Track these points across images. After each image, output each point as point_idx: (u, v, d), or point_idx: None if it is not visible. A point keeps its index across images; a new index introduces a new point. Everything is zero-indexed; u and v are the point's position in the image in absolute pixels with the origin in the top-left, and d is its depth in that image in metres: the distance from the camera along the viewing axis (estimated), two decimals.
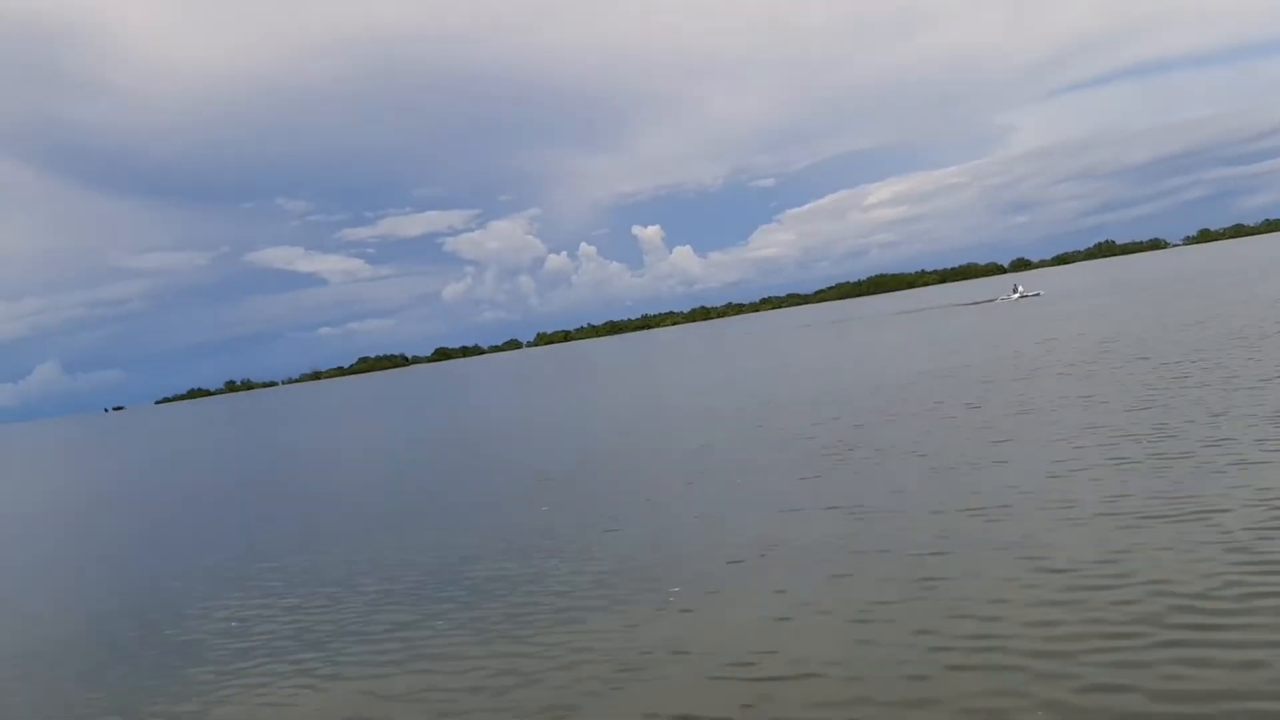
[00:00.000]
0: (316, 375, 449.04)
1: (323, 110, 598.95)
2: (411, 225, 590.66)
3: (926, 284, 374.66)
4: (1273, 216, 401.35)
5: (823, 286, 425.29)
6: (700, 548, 16.10)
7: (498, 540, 19.03)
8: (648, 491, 22.12)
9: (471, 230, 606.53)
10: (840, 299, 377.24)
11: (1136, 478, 16.17)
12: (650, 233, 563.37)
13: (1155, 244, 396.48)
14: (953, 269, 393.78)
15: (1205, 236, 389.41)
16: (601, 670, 11.27)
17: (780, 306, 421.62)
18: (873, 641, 10.83)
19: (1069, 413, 23.80)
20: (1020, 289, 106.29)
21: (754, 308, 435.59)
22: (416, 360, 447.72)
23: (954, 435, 23.22)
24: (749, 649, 11.23)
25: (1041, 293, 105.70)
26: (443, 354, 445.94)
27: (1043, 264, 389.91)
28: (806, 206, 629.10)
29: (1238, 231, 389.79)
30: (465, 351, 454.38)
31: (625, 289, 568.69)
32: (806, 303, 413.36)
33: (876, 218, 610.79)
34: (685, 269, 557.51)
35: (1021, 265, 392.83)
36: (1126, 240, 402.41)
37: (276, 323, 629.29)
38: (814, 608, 12.24)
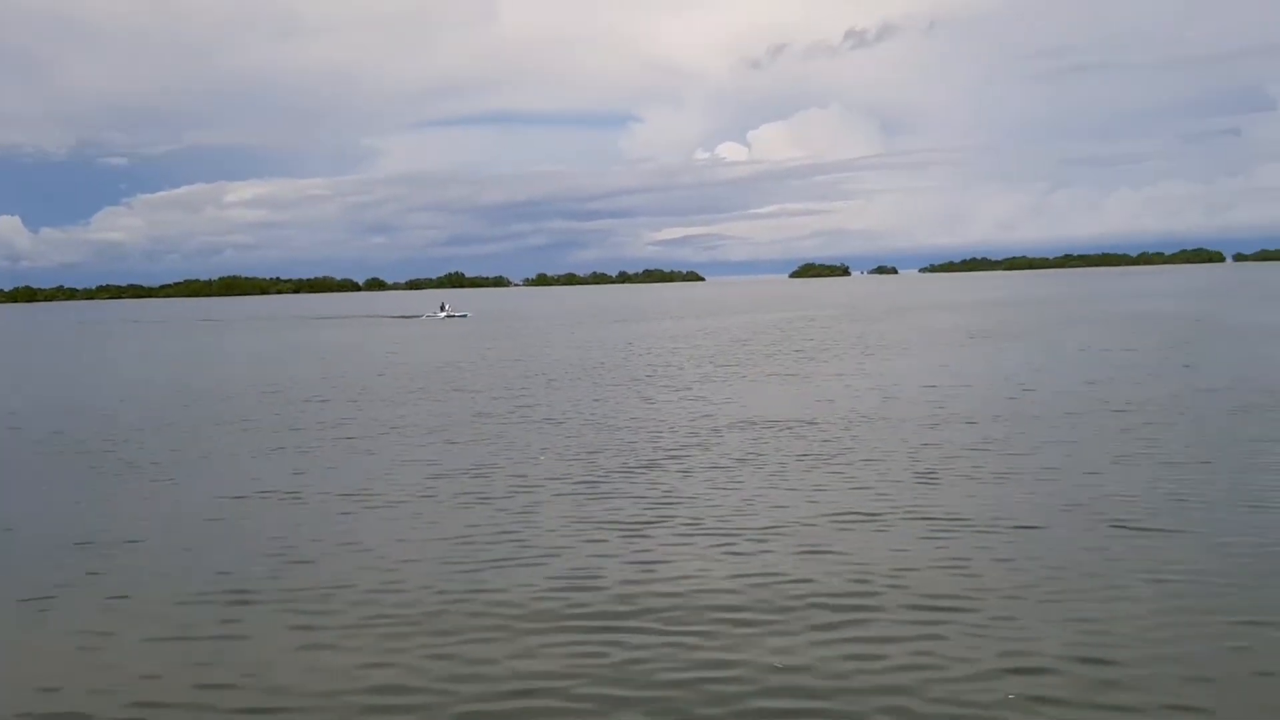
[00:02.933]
0: None
1: None
2: None
3: (281, 292, 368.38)
4: (598, 270, 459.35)
5: (172, 281, 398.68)
6: None
7: None
8: None
9: None
10: (190, 296, 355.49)
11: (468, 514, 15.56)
12: None
13: (499, 281, 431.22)
14: (309, 280, 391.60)
15: (542, 280, 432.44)
16: None
17: (121, 297, 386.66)
18: None
19: (380, 443, 23.07)
20: (448, 308, 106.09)
21: (90, 294, 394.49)
22: None
23: (260, 459, 21.27)
24: None
25: (469, 314, 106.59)
26: None
27: (396, 286, 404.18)
28: (160, 194, 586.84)
29: (570, 279, 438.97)
30: None
31: None
32: (152, 296, 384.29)
33: (235, 217, 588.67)
34: (10, 242, 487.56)
35: (377, 285, 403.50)
36: (475, 274, 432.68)
37: None
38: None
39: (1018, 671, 9.02)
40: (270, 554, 13.70)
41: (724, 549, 13.26)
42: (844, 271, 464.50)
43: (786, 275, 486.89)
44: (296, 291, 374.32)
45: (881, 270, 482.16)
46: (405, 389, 34.13)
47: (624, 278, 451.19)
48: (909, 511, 14.81)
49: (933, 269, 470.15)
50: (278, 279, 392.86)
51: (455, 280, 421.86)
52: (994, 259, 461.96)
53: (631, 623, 10.59)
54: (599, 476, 18.15)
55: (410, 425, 25.43)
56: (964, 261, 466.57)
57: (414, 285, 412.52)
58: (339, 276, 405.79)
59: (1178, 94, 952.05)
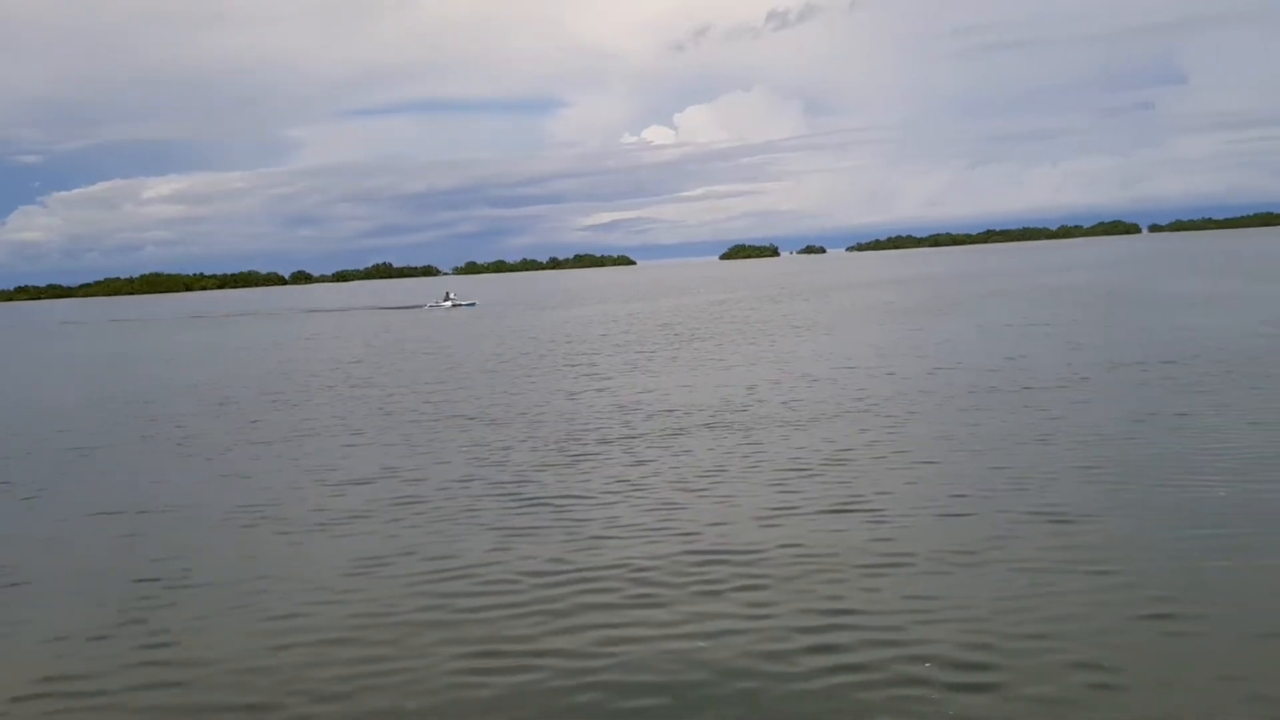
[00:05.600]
0: None
1: None
2: None
3: (205, 288, 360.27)
4: (529, 256, 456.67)
5: (92, 280, 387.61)
6: None
7: None
8: None
9: None
10: (110, 295, 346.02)
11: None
12: None
13: (429, 270, 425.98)
14: (233, 275, 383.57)
15: (472, 268, 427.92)
16: None
17: (40, 297, 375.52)
18: None
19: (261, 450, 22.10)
20: (453, 297, 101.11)
21: (8, 296, 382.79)
22: None
23: (158, 470, 20.23)
24: None
25: (476, 302, 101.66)
26: None
27: (324, 279, 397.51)
28: (77, 191, 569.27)
29: (500, 267, 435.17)
30: None
31: None
32: (71, 296, 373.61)
33: (154, 213, 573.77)
34: None
35: (303, 278, 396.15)
36: (403, 264, 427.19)
37: None
38: None
39: (943, 671, 8.56)
40: (156, 579, 12.75)
41: (637, 549, 12.63)
42: (773, 252, 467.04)
43: (717, 257, 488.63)
44: (221, 287, 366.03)
45: (810, 250, 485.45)
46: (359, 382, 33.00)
47: (555, 263, 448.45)
48: (829, 504, 14.30)
49: (860, 247, 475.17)
50: (201, 275, 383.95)
51: (383, 271, 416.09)
52: (919, 235, 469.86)
53: (544, 628, 9.96)
54: (511, 478, 17.38)
55: (330, 424, 24.45)
56: (890, 239, 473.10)
57: (341, 277, 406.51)
58: (264, 270, 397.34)
59: (1093, 69, 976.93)
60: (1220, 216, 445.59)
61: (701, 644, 9.59)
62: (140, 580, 12.63)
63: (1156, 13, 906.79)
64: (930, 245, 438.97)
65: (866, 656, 9.06)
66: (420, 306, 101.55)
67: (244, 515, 15.77)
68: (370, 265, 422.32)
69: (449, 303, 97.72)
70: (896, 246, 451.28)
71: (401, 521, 14.80)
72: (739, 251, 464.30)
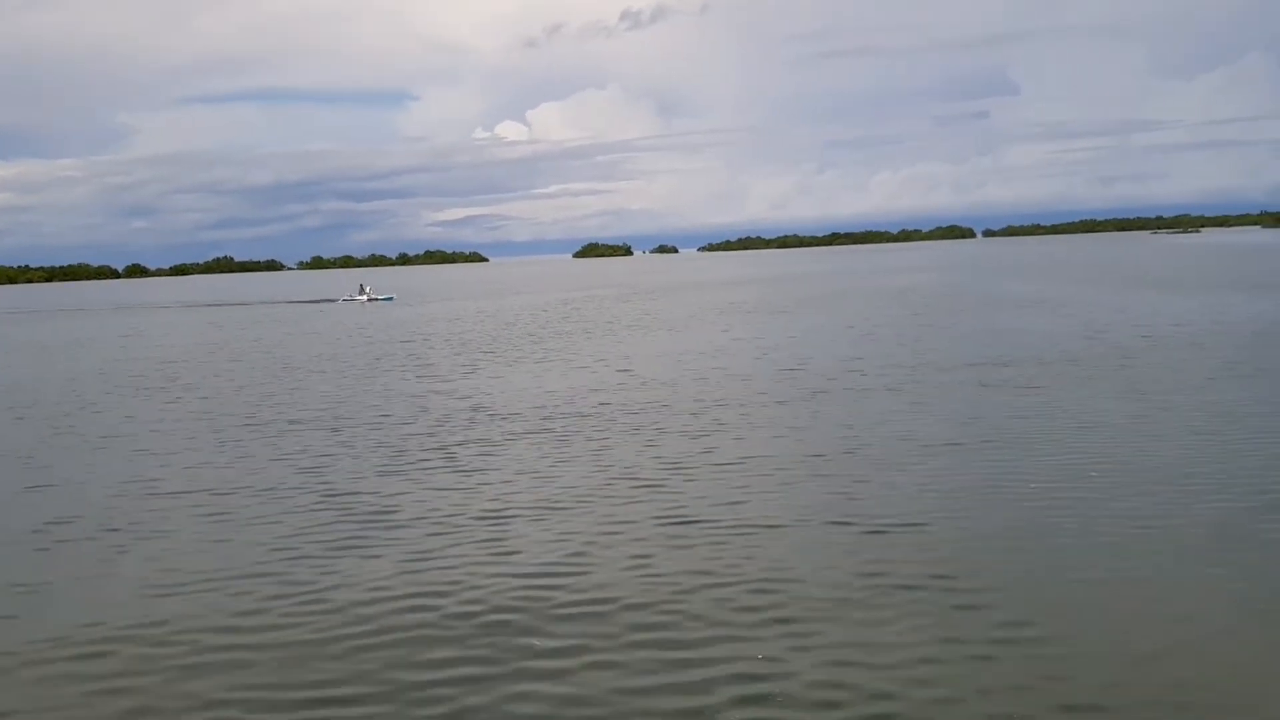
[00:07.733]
0: None
1: None
2: None
3: (31, 281, 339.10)
4: (377, 252, 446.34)
5: None
6: None
7: None
8: None
9: None
10: None
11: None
12: None
13: (272, 265, 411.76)
14: (62, 268, 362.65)
15: (318, 263, 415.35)
16: None
17: None
18: None
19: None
20: (368, 290, 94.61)
21: None
22: None
23: None
24: None
25: (394, 297, 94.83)
26: None
27: (160, 272, 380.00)
28: None
29: (347, 262, 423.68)
30: None
31: None
32: None
33: None
34: None
35: (137, 271, 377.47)
36: (245, 258, 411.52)
37: None
38: None
39: (742, 696, 8.34)
40: None
41: (465, 568, 12.09)
42: (626, 251, 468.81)
43: (570, 255, 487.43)
44: (49, 280, 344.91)
45: (663, 249, 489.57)
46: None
47: (404, 259, 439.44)
48: (662, 515, 14.00)
49: (711, 247, 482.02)
50: (26, 267, 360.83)
51: (225, 265, 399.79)
52: (767, 237, 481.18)
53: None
54: (336, 489, 16.49)
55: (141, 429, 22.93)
56: (739, 240, 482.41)
57: (180, 271, 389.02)
58: (95, 263, 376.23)
59: (931, 78, 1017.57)
60: (1048, 223, 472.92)
61: (532, 654, 9.24)
62: None
63: (991, 25, 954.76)
64: (778, 246, 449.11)
65: (694, 675, 8.82)
66: (332, 301, 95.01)
67: (37, 532, 14.49)
68: (211, 259, 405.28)
69: (364, 297, 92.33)
70: (746, 247, 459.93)
71: (211, 538, 13.83)
72: (592, 250, 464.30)
